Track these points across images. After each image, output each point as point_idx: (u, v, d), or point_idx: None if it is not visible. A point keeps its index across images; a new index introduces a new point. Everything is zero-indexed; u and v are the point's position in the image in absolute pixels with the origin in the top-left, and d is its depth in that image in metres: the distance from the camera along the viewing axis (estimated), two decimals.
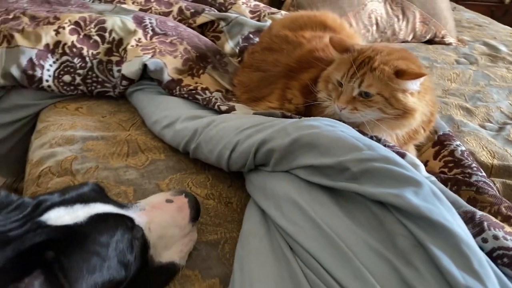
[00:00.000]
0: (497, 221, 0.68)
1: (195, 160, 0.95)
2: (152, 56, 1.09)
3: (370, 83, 0.82)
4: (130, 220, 0.61)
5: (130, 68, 1.10)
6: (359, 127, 0.86)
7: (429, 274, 0.52)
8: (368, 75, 0.82)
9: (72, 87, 1.13)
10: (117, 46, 1.16)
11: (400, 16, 1.81)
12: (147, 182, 0.89)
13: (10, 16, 1.16)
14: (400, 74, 0.81)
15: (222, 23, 1.35)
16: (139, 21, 1.19)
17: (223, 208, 0.85)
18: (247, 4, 1.44)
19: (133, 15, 1.20)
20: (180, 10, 1.36)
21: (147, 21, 1.20)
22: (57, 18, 1.16)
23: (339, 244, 0.56)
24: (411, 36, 1.83)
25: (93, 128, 1.06)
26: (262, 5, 1.47)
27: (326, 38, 1.02)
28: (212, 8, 1.40)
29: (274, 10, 1.46)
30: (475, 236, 0.65)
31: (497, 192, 0.82)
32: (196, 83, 1.13)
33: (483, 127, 1.17)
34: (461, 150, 0.92)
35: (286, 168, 0.73)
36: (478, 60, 1.67)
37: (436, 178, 0.82)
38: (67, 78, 1.13)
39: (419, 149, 0.98)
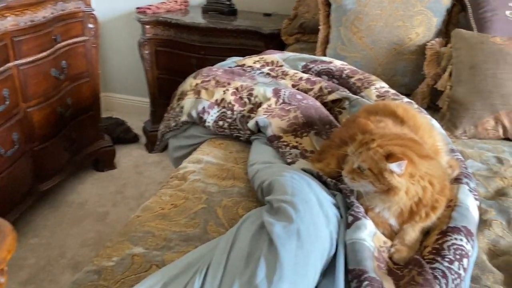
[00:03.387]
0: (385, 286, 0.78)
1: None
2: (266, 117, 1.52)
3: (364, 159, 1.01)
4: None
5: (251, 122, 1.55)
6: (359, 198, 1.05)
7: (254, 264, 0.76)
8: (364, 153, 1.01)
9: (221, 129, 1.67)
10: (257, 107, 1.63)
11: None
12: (217, 196, 1.30)
13: (207, 79, 1.81)
14: (389, 157, 0.97)
15: (346, 102, 1.65)
16: (276, 92, 1.64)
17: None
18: (378, 90, 1.68)
19: (274, 88, 1.66)
20: (320, 89, 1.73)
21: (282, 93, 1.64)
22: (228, 84, 1.73)
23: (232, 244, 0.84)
24: None
25: (217, 157, 1.55)
26: (392, 91, 1.67)
27: (386, 123, 1.21)
28: (345, 89, 1.71)
29: (400, 96, 1.64)
30: None
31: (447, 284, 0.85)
32: (297, 142, 1.48)
33: None
34: (454, 244, 0.95)
35: (266, 201, 1.02)
36: None
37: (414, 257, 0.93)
38: (220, 123, 1.67)
39: (429, 232, 1.04)
